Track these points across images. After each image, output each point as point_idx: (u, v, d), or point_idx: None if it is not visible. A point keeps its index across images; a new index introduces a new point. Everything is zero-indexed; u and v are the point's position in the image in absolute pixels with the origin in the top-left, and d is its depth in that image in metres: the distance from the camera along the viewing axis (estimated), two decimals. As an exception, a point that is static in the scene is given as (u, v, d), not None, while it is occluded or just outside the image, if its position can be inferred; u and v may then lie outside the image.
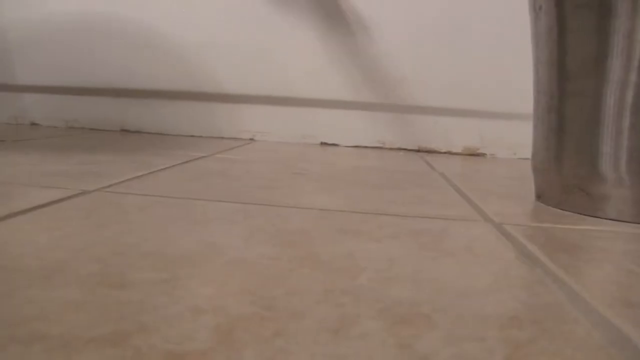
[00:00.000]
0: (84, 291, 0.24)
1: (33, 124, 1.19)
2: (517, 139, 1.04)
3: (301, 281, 0.27)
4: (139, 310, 0.22)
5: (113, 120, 1.15)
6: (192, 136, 1.11)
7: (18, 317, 0.21)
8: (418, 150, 1.08)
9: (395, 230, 0.39)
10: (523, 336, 0.22)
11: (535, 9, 0.50)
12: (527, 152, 1.07)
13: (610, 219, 0.47)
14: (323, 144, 1.07)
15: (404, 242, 0.36)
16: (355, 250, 0.33)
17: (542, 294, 0.28)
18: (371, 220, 0.42)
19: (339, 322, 0.22)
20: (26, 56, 1.17)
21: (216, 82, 1.10)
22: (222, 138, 1.10)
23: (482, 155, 1.07)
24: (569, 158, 0.49)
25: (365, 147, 1.08)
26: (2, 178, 0.51)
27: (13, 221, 0.36)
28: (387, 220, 0.42)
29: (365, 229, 0.39)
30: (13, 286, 0.24)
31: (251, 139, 1.10)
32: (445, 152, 1.07)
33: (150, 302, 0.23)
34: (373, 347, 0.20)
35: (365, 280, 0.28)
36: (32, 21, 1.15)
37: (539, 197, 0.55)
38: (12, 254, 0.29)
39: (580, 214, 0.49)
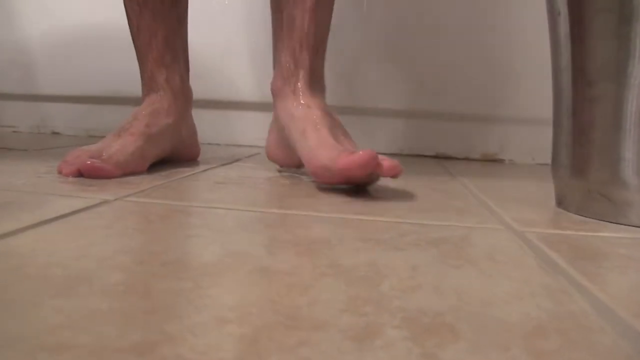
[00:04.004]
0: (109, 300, 0.24)
1: (54, 132, 1.21)
2: (536, 144, 1.03)
3: (324, 290, 0.27)
4: (164, 320, 0.23)
5: (132, 128, 1.16)
6: (210, 144, 1.12)
7: (46, 325, 0.21)
8: (436, 157, 1.07)
9: (416, 238, 0.39)
10: (548, 346, 0.22)
11: (554, 15, 0.50)
12: (546, 157, 1.06)
13: (633, 226, 0.47)
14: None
15: (426, 250, 0.36)
16: (376, 258, 0.33)
17: (566, 303, 0.27)
18: (392, 228, 0.42)
19: (363, 332, 0.22)
20: (48, 67, 1.19)
21: (234, 90, 1.10)
22: (240, 146, 1.11)
23: (501, 161, 1.06)
24: (590, 164, 0.49)
25: (383, 153, 1.08)
26: (25, 187, 0.51)
27: (38, 230, 0.36)
28: (407, 228, 0.42)
29: (386, 237, 0.39)
30: (40, 295, 0.25)
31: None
32: (463, 159, 1.07)
33: (175, 311, 0.23)
34: (398, 356, 0.20)
35: (388, 289, 0.28)
36: (54, 33, 1.17)
37: (560, 203, 0.55)
38: (38, 263, 0.29)
39: (602, 220, 0.49)
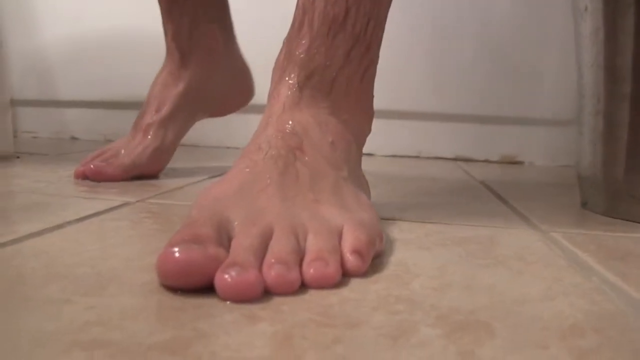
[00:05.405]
0: (139, 299, 0.24)
1: (73, 138, 1.22)
2: (556, 146, 1.02)
3: (354, 289, 0.27)
4: (195, 318, 0.22)
5: (150, 133, 1.17)
6: (228, 147, 1.12)
7: (79, 322, 0.21)
8: (455, 159, 1.07)
9: (442, 238, 0.39)
10: (587, 344, 0.22)
11: (580, 10, 0.49)
12: (566, 159, 1.05)
13: (662, 226, 0.46)
14: (358, 154, 1.06)
15: (453, 250, 0.35)
16: (404, 258, 0.33)
17: (600, 302, 0.27)
18: (416, 229, 0.41)
19: (397, 330, 0.22)
20: (67, 73, 1.20)
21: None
22: (257, 149, 1.11)
23: (521, 163, 1.05)
24: (618, 163, 0.48)
25: (402, 156, 1.08)
26: (48, 190, 0.52)
27: (63, 231, 0.36)
28: (433, 229, 0.42)
29: (412, 237, 0.39)
30: (71, 293, 0.24)
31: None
32: (482, 161, 1.06)
33: (205, 309, 0.23)
34: (435, 354, 0.20)
35: (418, 287, 0.27)
36: (72, 39, 1.18)
37: (585, 204, 0.54)
38: (67, 262, 0.29)
39: (630, 221, 0.48)
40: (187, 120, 0.66)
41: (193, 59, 0.65)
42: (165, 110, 0.64)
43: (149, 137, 0.63)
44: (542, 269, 0.32)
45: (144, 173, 0.62)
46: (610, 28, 0.46)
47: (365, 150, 0.44)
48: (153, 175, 0.63)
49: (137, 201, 0.48)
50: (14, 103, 1.25)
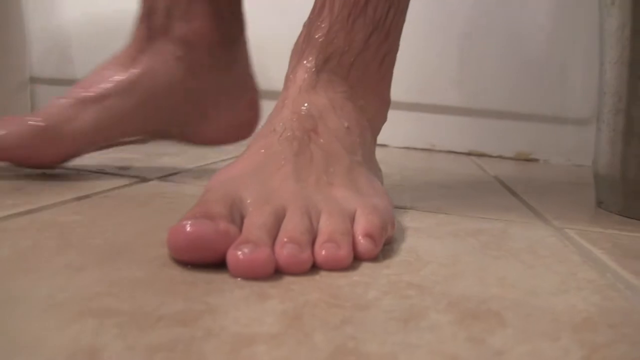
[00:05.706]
0: (150, 272, 0.24)
1: (89, 117, 1.23)
2: (571, 144, 1.01)
3: (365, 272, 0.27)
4: (206, 292, 0.22)
5: (166, 115, 1.17)
6: (242, 133, 1.12)
7: (90, 292, 0.21)
8: (468, 154, 1.06)
9: (454, 229, 0.38)
10: (599, 339, 0.21)
11: (606, 4, 0.48)
12: (582, 158, 1.04)
13: (679, 228, 0.45)
14: (372, 144, 1.06)
15: (465, 241, 0.35)
16: (415, 245, 0.33)
17: (615, 299, 0.27)
18: (429, 218, 0.41)
19: (407, 314, 0.22)
20: (87, 52, 1.21)
21: (267, 80, 1.10)
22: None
23: (535, 160, 1.04)
24: (637, 163, 0.47)
25: (415, 148, 1.07)
26: (65, 165, 0.52)
27: (76, 204, 0.37)
28: (445, 219, 0.41)
29: (424, 226, 0.38)
30: (83, 263, 0.25)
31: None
32: (496, 157, 1.05)
33: (216, 285, 0.23)
34: (444, 339, 0.20)
35: (430, 275, 0.27)
36: (93, 19, 1.18)
37: (600, 203, 0.53)
38: (80, 234, 0.29)
39: (646, 221, 0.47)
40: (124, 120, 0.48)
41: (164, 49, 0.49)
42: (93, 90, 0.48)
43: (45, 114, 0.45)
44: (556, 264, 0.32)
45: (16, 158, 0.45)
46: (638, 24, 0.45)
47: (379, 140, 0.43)
48: (36, 166, 0.46)
49: (152, 179, 0.49)
50: (33, 80, 1.26)
